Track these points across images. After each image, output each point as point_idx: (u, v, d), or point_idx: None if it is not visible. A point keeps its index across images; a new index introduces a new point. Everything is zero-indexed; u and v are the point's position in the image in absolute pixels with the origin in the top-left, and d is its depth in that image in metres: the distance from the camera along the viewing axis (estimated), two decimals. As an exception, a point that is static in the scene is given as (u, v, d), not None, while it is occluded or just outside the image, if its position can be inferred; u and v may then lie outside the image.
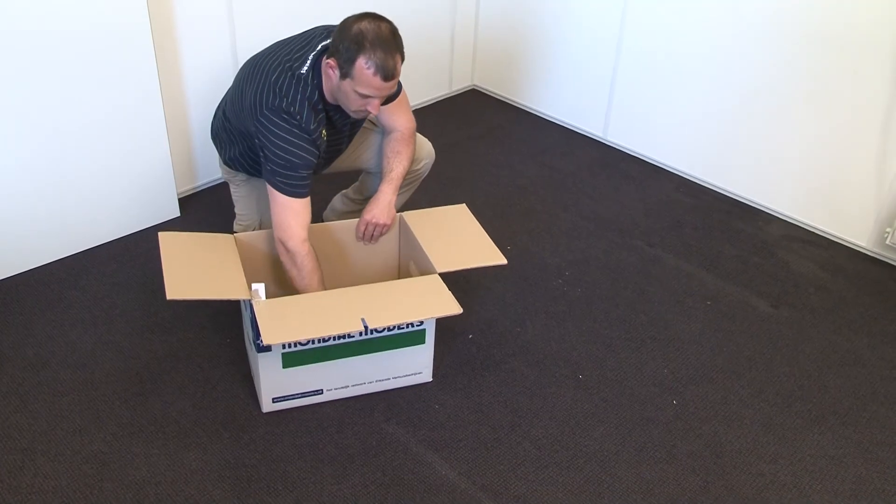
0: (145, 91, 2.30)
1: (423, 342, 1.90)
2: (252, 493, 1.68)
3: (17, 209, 2.18)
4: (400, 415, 1.88)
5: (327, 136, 1.95)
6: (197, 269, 1.84)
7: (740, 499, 1.73)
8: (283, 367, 1.80)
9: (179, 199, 2.57)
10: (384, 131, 2.13)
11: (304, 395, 1.87)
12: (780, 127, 2.62)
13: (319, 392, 1.88)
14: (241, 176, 2.17)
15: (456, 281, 2.33)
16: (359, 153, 2.21)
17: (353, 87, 1.78)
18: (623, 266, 2.45)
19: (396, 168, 2.05)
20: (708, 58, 2.73)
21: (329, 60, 1.80)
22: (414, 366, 1.94)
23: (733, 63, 2.66)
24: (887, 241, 2.48)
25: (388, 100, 2.01)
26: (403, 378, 1.95)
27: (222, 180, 2.71)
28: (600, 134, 3.19)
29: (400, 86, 2.04)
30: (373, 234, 2.06)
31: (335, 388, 1.89)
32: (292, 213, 1.88)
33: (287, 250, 1.89)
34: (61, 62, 2.10)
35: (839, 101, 2.46)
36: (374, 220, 2.03)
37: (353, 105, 1.84)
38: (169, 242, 1.90)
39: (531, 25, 3.23)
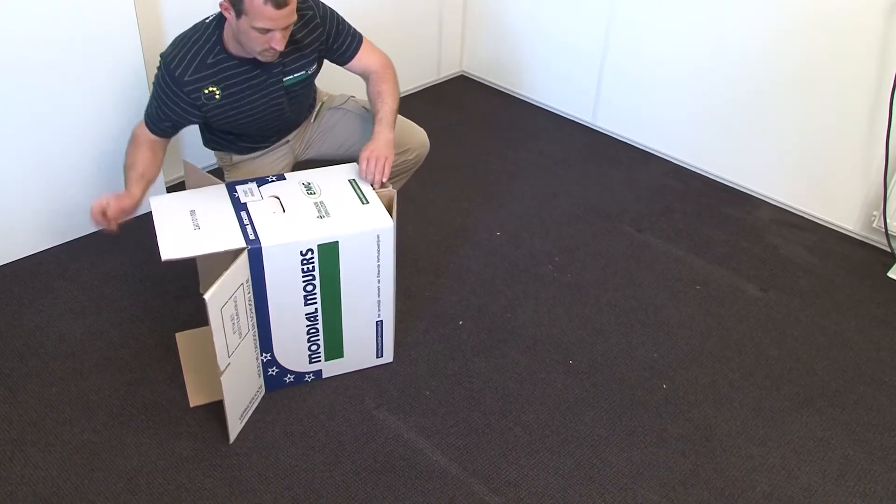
0: (131, 74, 2.28)
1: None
2: (243, 480, 1.68)
3: (2, 199, 2.16)
4: (391, 401, 1.89)
5: (228, 92, 1.88)
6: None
7: (730, 481, 1.74)
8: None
9: (167, 188, 2.55)
10: (365, 81, 2.09)
11: None
12: (768, 112, 2.63)
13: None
14: (228, 157, 2.13)
15: (446, 266, 2.33)
16: (343, 139, 2.18)
17: (251, 24, 1.73)
18: (612, 251, 2.46)
19: (383, 108, 1.98)
20: (697, 43, 2.72)
21: (223, 2, 1.76)
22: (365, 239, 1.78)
23: (722, 48, 2.66)
24: (874, 225, 2.50)
25: (349, 53, 2.01)
26: (369, 244, 1.79)
27: (210, 168, 2.70)
28: (589, 119, 3.18)
29: (356, 34, 2.02)
30: (376, 169, 1.90)
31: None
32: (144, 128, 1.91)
33: (133, 134, 1.92)
34: (44, 50, 2.08)
35: (827, 86, 2.46)
36: (374, 154, 1.90)
37: (256, 45, 1.78)
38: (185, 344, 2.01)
39: (519, 11, 3.22)
